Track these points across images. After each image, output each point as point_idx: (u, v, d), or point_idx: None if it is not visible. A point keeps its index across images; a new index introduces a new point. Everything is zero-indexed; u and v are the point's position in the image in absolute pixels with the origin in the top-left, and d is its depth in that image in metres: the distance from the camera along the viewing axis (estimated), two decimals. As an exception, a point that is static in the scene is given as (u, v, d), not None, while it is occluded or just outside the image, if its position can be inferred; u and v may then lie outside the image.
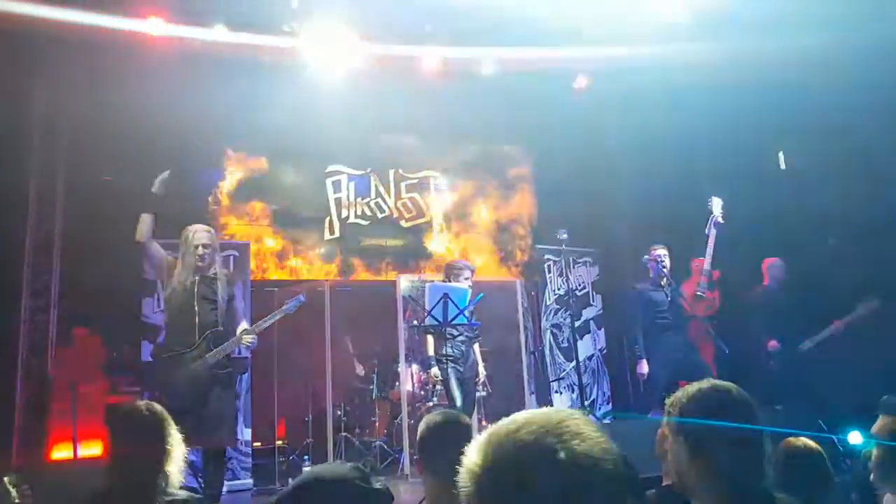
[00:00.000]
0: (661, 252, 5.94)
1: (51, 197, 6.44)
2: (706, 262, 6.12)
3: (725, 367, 5.77)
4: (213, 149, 7.40)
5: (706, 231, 6.16)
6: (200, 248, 4.39)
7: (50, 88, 6.53)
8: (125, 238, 6.11)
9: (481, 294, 5.67)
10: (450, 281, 5.63)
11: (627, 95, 7.51)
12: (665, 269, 5.86)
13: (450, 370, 5.45)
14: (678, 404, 1.65)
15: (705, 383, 1.68)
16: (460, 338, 5.59)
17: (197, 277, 4.34)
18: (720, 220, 6.14)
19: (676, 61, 6.30)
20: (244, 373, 5.89)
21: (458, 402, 5.33)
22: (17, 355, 6.13)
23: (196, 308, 4.23)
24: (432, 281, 6.16)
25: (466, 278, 5.64)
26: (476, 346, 5.81)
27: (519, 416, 0.92)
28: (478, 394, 6.43)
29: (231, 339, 4.33)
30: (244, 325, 4.55)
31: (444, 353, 5.50)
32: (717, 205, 6.16)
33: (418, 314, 6.00)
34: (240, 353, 5.34)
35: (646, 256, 5.97)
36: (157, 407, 2.29)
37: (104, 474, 2.14)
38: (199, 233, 4.46)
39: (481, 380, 5.97)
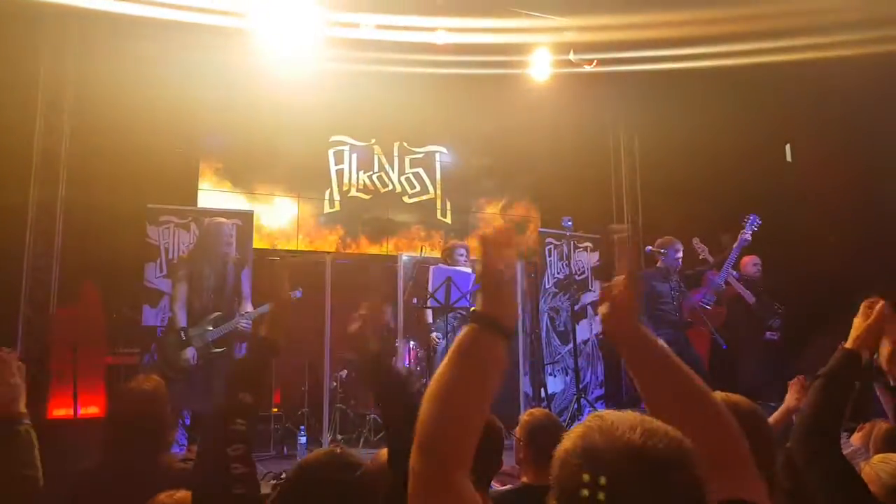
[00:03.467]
0: (677, 247, 5.85)
1: (55, 158, 6.46)
2: (720, 276, 5.98)
3: (719, 361, 5.80)
4: (216, 116, 7.40)
5: (734, 245, 6.00)
6: (223, 245, 4.73)
7: (55, 53, 6.51)
8: (128, 201, 6.18)
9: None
10: (447, 263, 5.68)
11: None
12: (677, 263, 5.79)
13: (440, 343, 5.51)
14: None
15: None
16: (451, 314, 5.63)
17: (215, 270, 4.67)
18: (748, 237, 5.98)
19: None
20: (244, 341, 5.96)
21: None
22: (18, 313, 6.19)
23: (212, 294, 4.63)
24: (435, 259, 6.20)
25: (461, 254, 5.71)
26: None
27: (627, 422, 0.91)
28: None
29: (229, 322, 4.75)
30: (248, 306, 4.95)
31: (433, 328, 5.57)
32: (751, 224, 5.98)
33: (417, 292, 6.04)
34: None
35: (649, 247, 5.96)
36: (157, 380, 2.32)
37: (104, 447, 2.14)
38: (227, 236, 4.72)
39: None
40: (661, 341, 1.19)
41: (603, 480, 0.85)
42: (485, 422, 1.12)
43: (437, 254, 7.05)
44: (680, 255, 5.82)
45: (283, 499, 1.50)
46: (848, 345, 1.83)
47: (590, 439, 0.91)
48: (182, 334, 4.71)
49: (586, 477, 0.86)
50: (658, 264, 5.92)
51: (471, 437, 1.09)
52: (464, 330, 1.13)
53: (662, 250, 5.84)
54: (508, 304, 1.16)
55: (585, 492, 0.85)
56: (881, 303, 1.84)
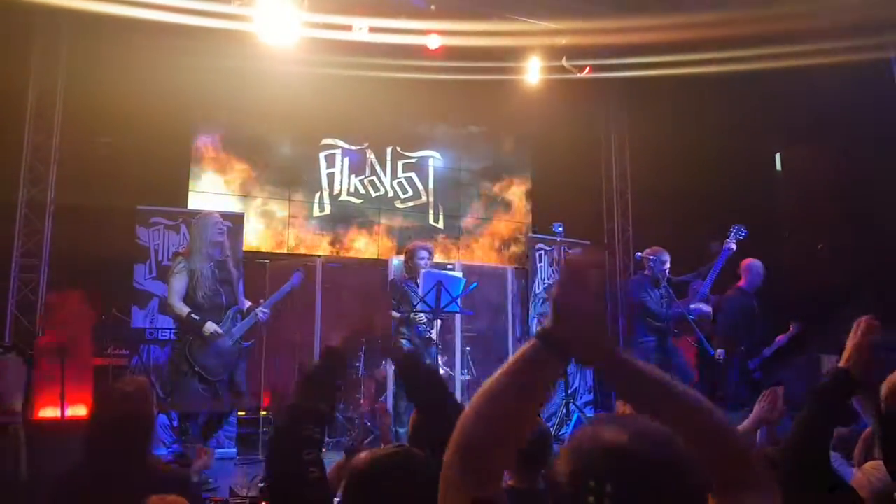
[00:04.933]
0: (664, 257, 5.83)
1: (45, 157, 6.44)
2: (705, 286, 5.95)
3: (707, 369, 5.80)
4: (208, 117, 7.40)
5: (718, 255, 5.94)
6: (217, 241, 4.71)
7: (47, 51, 6.50)
8: (118, 201, 6.16)
9: (475, 283, 5.71)
10: (409, 266, 5.61)
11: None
12: (665, 271, 5.77)
13: (404, 347, 5.44)
14: None
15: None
16: (423, 319, 5.53)
17: (213, 263, 4.63)
18: (733, 247, 5.93)
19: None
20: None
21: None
22: (6, 314, 6.17)
23: (220, 291, 4.61)
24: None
25: (423, 257, 5.55)
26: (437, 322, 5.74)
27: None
28: (462, 377, 6.51)
29: (250, 316, 4.78)
30: (247, 302, 5.05)
31: (400, 330, 5.48)
32: (736, 233, 5.91)
33: (397, 296, 5.99)
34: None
35: (639, 253, 5.97)
36: (142, 381, 2.32)
37: (88, 448, 2.12)
38: (217, 225, 4.70)
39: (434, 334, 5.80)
40: (640, 362, 1.16)
41: (592, 483, 0.87)
42: (524, 438, 1.12)
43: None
44: (667, 265, 5.84)
45: (354, 496, 1.48)
46: (842, 363, 1.86)
47: (579, 440, 0.92)
48: (194, 316, 4.67)
49: (591, 483, 0.87)
50: (646, 272, 5.95)
51: (509, 453, 1.09)
52: (525, 345, 1.11)
53: (651, 258, 5.86)
54: (582, 328, 1.07)
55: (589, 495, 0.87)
56: (864, 320, 1.88)
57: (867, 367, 1.85)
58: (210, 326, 4.66)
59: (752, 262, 5.93)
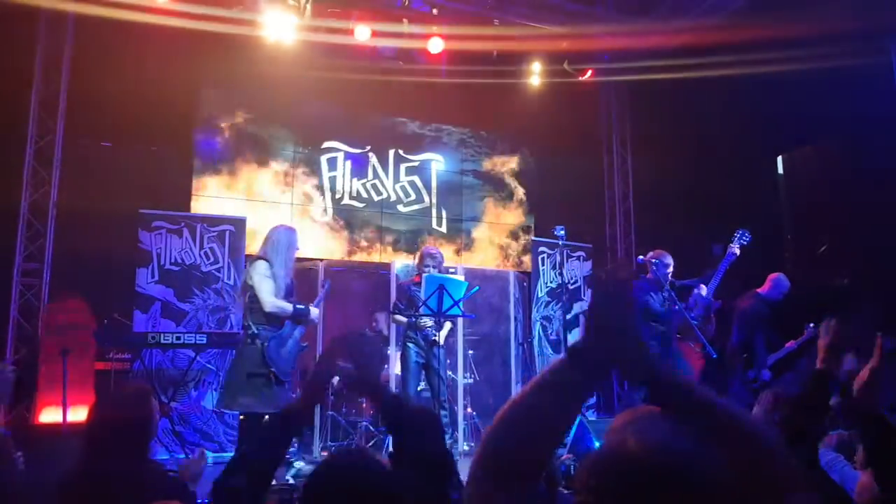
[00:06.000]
0: (667, 260, 5.79)
1: (48, 160, 6.45)
2: (707, 290, 5.89)
3: (710, 374, 5.77)
4: (210, 119, 7.42)
5: (721, 259, 5.80)
6: (295, 249, 4.80)
7: (50, 55, 6.52)
8: (121, 205, 6.17)
9: (477, 287, 5.70)
10: (419, 268, 5.61)
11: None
12: (667, 275, 5.73)
13: (412, 354, 5.42)
14: None
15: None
16: (429, 323, 5.48)
17: (285, 272, 4.70)
18: (736, 251, 5.80)
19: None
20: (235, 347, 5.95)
21: (411, 390, 5.35)
22: (9, 318, 6.17)
23: (289, 297, 4.69)
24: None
25: (427, 265, 5.52)
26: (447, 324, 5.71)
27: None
28: (465, 381, 6.50)
29: (308, 320, 4.80)
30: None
31: (408, 335, 5.47)
32: (740, 238, 5.80)
33: (403, 300, 5.99)
34: (232, 327, 5.94)
35: (641, 257, 5.94)
36: (143, 386, 2.31)
37: (87, 452, 2.11)
38: (297, 239, 4.85)
39: (442, 339, 5.73)
40: (681, 376, 1.14)
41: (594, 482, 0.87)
42: (551, 452, 1.12)
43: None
44: (670, 268, 5.80)
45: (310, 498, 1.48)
46: (818, 365, 1.96)
47: (600, 453, 0.93)
48: (299, 305, 4.75)
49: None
50: (648, 275, 5.90)
51: (533, 466, 1.09)
52: (556, 361, 1.10)
53: (654, 261, 5.82)
54: (620, 345, 1.06)
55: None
56: (832, 322, 2.00)
57: (839, 365, 1.97)
58: (315, 311, 4.81)
59: (782, 277, 5.98)
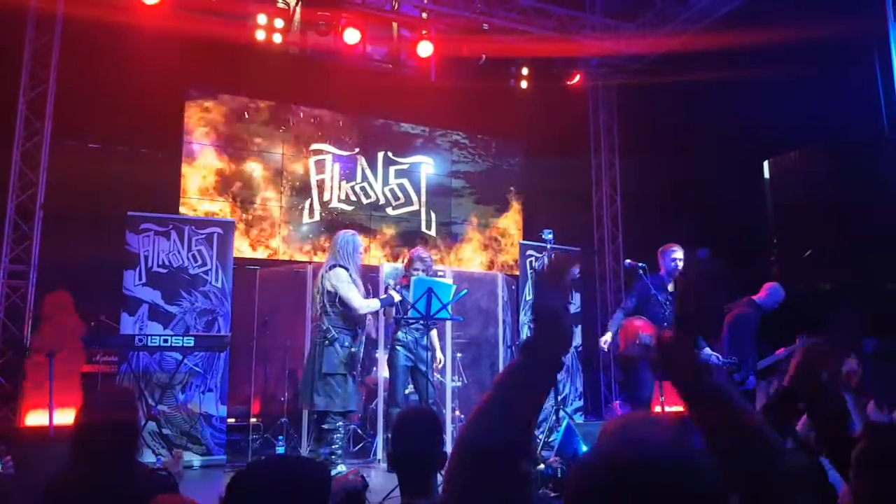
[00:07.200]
0: (674, 253, 5.68)
1: (34, 162, 6.41)
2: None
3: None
4: (198, 120, 7.41)
5: (706, 261, 5.86)
6: (361, 253, 5.10)
7: (36, 56, 6.49)
8: (108, 207, 6.15)
9: (465, 290, 5.71)
10: (407, 271, 5.57)
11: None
12: (676, 268, 5.62)
13: (400, 357, 5.40)
14: None
15: None
16: (416, 325, 5.43)
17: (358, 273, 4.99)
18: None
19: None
20: (223, 350, 5.93)
21: (399, 393, 5.35)
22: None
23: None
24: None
25: (416, 269, 5.49)
26: (433, 333, 5.70)
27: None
28: (453, 384, 6.51)
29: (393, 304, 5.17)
30: None
31: (397, 337, 5.45)
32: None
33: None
34: (220, 330, 6.06)
35: (628, 261, 5.87)
36: (128, 388, 2.31)
37: (74, 454, 2.09)
38: (361, 241, 5.16)
39: (439, 365, 5.84)
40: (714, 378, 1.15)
41: (586, 488, 0.87)
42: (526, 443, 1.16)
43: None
44: (677, 260, 5.63)
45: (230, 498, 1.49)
46: (785, 382, 2.00)
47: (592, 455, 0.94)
48: (382, 296, 5.15)
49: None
50: (660, 272, 5.77)
51: (510, 453, 1.12)
52: (514, 359, 1.17)
53: (663, 253, 5.70)
54: (558, 337, 1.14)
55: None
56: (812, 343, 2.03)
57: (812, 383, 1.97)
58: (396, 295, 5.13)
59: (778, 287, 5.94)
